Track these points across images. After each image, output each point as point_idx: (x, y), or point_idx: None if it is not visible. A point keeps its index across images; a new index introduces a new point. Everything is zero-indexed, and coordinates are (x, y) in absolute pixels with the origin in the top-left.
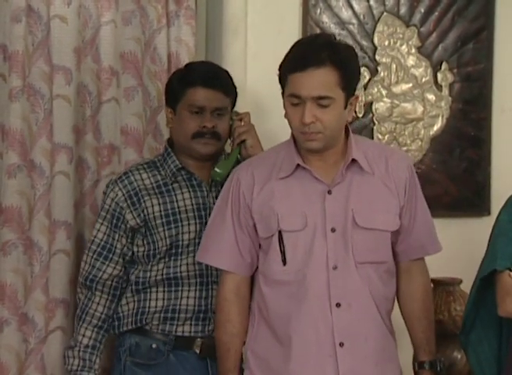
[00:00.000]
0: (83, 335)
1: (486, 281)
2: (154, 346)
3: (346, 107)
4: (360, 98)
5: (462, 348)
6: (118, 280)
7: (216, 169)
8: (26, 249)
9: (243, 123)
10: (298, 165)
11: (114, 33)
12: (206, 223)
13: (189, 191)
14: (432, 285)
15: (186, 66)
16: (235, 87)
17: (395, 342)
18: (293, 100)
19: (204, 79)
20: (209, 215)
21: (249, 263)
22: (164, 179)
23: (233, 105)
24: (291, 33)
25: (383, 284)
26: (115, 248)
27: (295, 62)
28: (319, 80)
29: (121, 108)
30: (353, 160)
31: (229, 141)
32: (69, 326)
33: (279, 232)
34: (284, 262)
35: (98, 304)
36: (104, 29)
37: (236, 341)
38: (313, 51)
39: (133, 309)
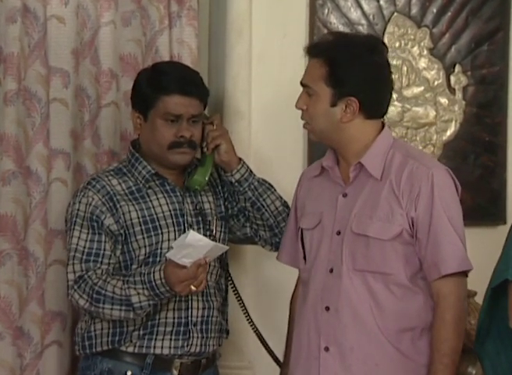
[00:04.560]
0: (136, 293)
1: (499, 290)
2: (129, 373)
3: (334, 105)
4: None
5: (478, 358)
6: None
7: (196, 177)
8: (22, 260)
9: (215, 127)
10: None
11: (113, 34)
12: (184, 230)
13: (164, 197)
14: (458, 314)
15: (155, 68)
16: (207, 90)
17: (408, 365)
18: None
19: (180, 86)
20: (187, 221)
21: None
22: (136, 185)
23: (205, 108)
24: (297, 35)
25: (395, 298)
26: (104, 250)
27: (306, 48)
28: (309, 69)
29: (121, 112)
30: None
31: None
32: (66, 340)
33: (301, 230)
34: (305, 259)
35: (97, 277)
36: (104, 30)
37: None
38: (318, 41)
39: (109, 328)
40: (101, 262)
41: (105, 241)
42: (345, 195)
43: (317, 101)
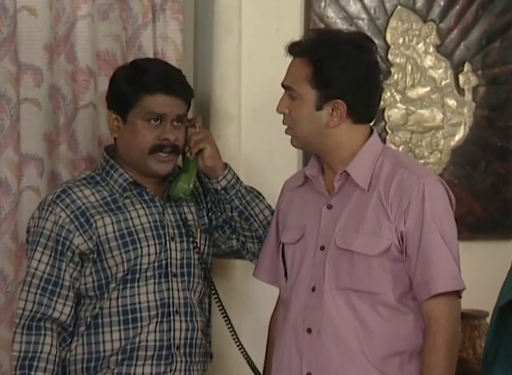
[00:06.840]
0: None
1: (507, 310)
2: None
3: (320, 108)
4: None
5: None
6: (69, 320)
7: (181, 184)
8: None
9: (197, 130)
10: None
11: (92, 28)
12: (165, 243)
13: (143, 208)
14: (451, 337)
15: (134, 65)
16: (192, 90)
17: None
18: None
19: (164, 84)
20: (168, 234)
21: None
22: (112, 195)
23: (188, 110)
24: (291, 30)
25: (382, 320)
26: (63, 280)
27: (287, 47)
28: (291, 70)
29: (99, 114)
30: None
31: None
32: None
33: (282, 244)
34: (286, 277)
35: (51, 345)
36: (81, 23)
37: None
38: (300, 40)
39: (83, 354)
40: (59, 295)
41: (65, 270)
42: (329, 207)
43: (301, 104)
